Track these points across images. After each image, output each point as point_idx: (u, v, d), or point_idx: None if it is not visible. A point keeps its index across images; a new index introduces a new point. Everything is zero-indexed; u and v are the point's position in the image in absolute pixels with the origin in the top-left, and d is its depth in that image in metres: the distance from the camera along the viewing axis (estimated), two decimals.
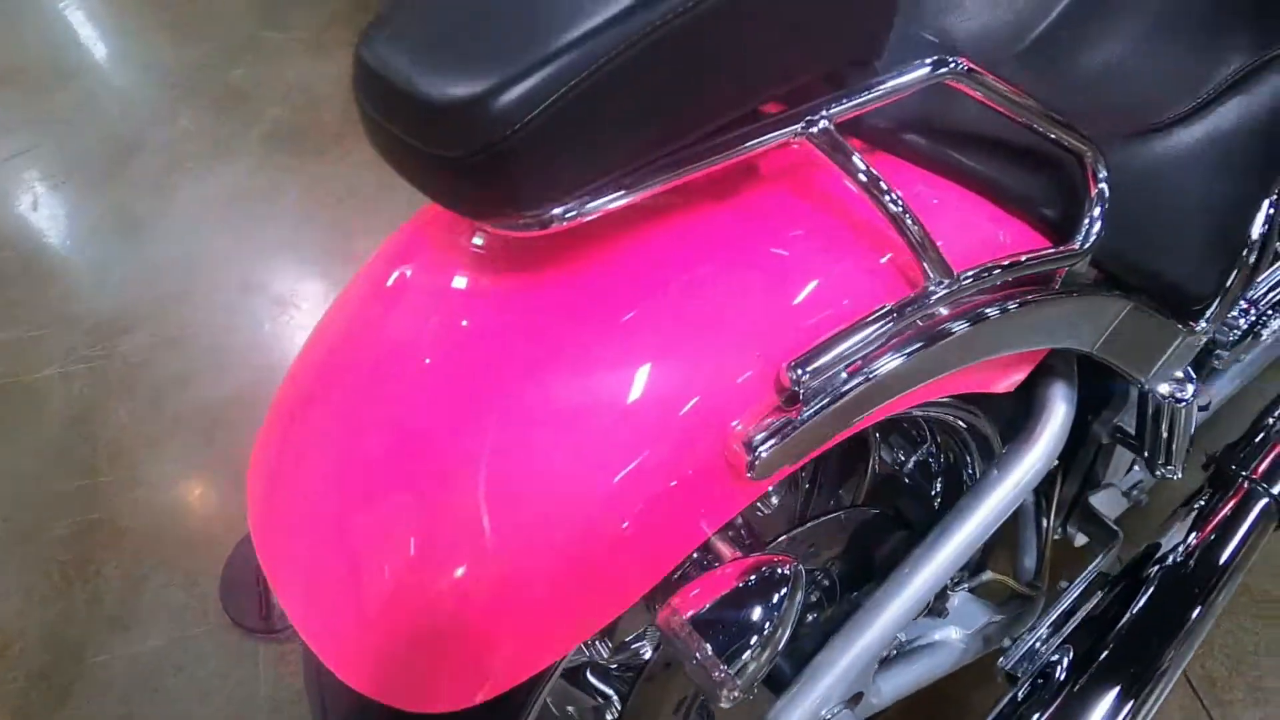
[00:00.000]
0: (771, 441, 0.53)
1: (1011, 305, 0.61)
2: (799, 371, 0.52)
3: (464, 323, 0.58)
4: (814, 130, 0.52)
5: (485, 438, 0.55)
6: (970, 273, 0.58)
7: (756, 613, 0.56)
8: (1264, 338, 1.12)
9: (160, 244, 1.97)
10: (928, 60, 0.55)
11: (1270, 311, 1.11)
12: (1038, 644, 0.96)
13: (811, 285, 0.55)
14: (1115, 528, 1.01)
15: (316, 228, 1.98)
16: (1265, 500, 0.97)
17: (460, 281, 0.60)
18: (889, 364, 0.55)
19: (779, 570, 0.57)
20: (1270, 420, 1.03)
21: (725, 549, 0.61)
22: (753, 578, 0.57)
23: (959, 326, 0.58)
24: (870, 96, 0.53)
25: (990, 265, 0.59)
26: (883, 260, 0.56)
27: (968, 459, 0.88)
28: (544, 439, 0.54)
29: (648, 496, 0.54)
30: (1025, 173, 0.64)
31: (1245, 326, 1.10)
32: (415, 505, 0.57)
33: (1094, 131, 0.69)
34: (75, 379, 1.71)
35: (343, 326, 0.68)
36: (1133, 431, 0.97)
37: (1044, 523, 1.03)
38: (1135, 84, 0.75)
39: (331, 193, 2.04)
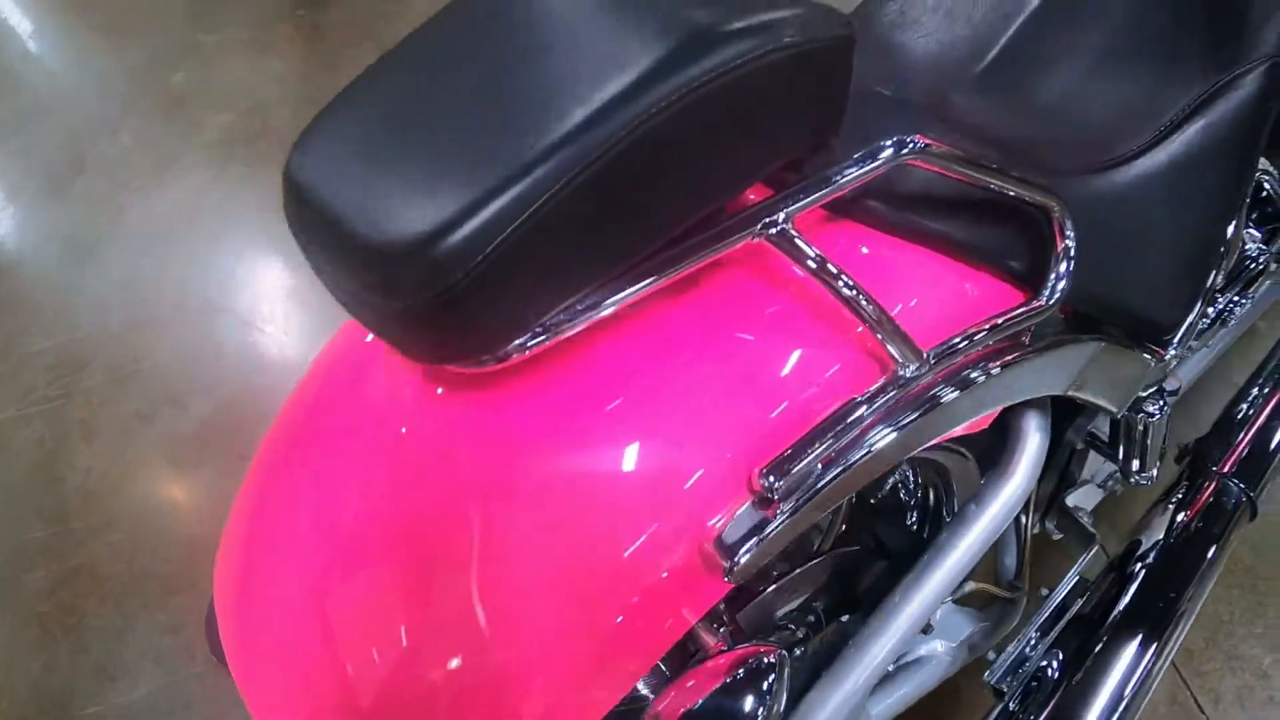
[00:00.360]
0: (748, 546, 0.52)
1: (987, 369, 0.60)
2: (770, 479, 0.51)
3: (438, 419, 0.57)
4: (772, 232, 0.50)
5: (472, 530, 0.54)
6: (938, 350, 0.57)
7: (745, 707, 0.56)
8: (1231, 323, 1.13)
9: (113, 269, 1.91)
10: (886, 143, 0.53)
11: (1237, 297, 1.11)
12: (1027, 649, 0.97)
13: (779, 380, 0.54)
14: (1092, 530, 1.03)
15: (277, 241, 1.92)
16: (1237, 494, 0.99)
17: (431, 372, 0.59)
18: (861, 453, 0.54)
19: (764, 660, 0.57)
20: (1237, 412, 1.04)
21: (708, 637, 0.61)
22: (740, 672, 0.57)
23: (930, 404, 0.57)
24: (825, 191, 0.52)
25: (958, 338, 0.58)
26: (850, 349, 0.55)
27: (945, 486, 0.88)
28: (531, 536, 0.53)
29: (635, 592, 0.54)
30: (990, 229, 0.63)
31: (1213, 315, 1.10)
32: (404, 594, 0.56)
33: (1057, 167, 0.68)
34: (36, 421, 1.67)
35: (312, 410, 0.66)
36: (1106, 438, 0.97)
37: (1022, 520, 1.04)
38: (1096, 113, 0.73)
39: None
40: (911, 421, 0.56)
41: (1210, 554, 0.98)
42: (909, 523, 0.91)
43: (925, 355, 0.56)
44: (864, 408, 0.54)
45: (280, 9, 2.39)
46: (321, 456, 0.63)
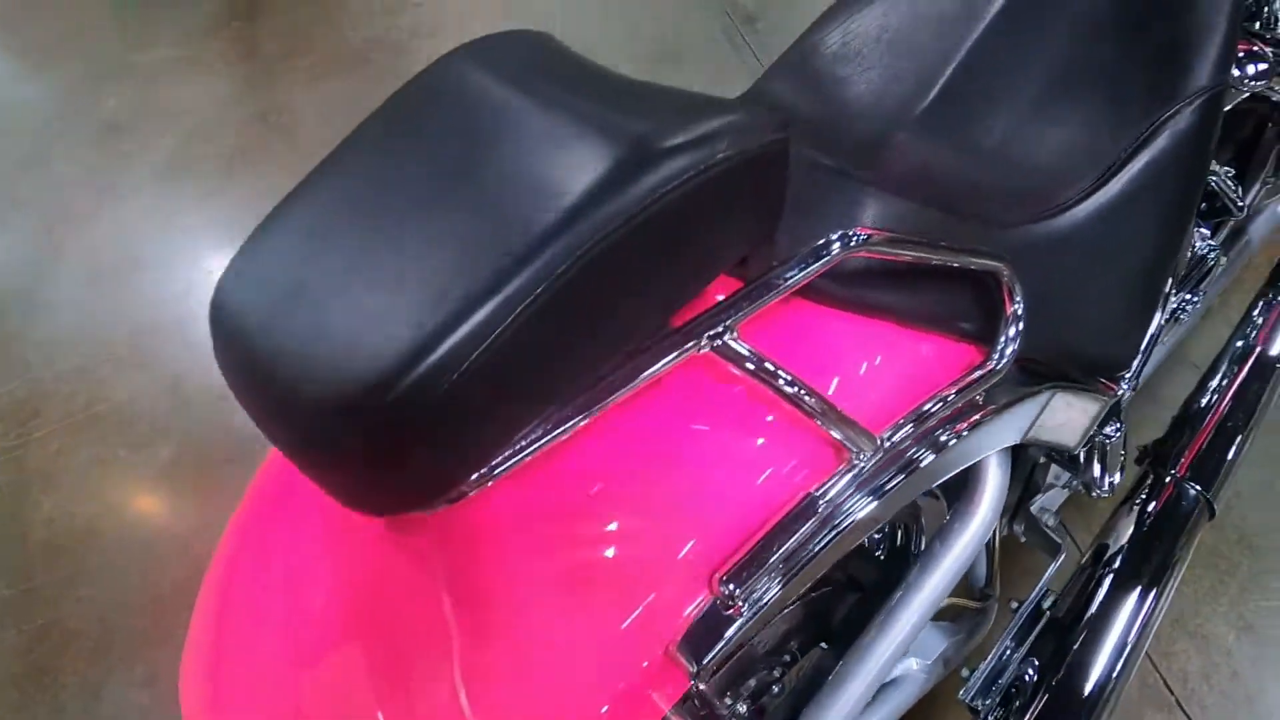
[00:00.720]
0: (714, 650, 0.52)
1: (941, 441, 0.60)
2: (730, 586, 0.51)
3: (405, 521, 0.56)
4: (717, 344, 0.50)
5: (449, 629, 0.54)
6: (891, 431, 0.57)
7: None
8: (1184, 320, 1.14)
9: (60, 308, 1.86)
10: (832, 238, 0.53)
11: (1190, 296, 1.13)
12: (1002, 658, 0.99)
13: (735, 482, 0.54)
14: (1058, 540, 1.04)
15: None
16: (1194, 497, 1.00)
17: None
18: (820, 546, 0.54)
19: None
20: (1191, 413, 1.05)
21: None
22: None
23: (889, 485, 0.58)
24: (767, 297, 0.51)
25: (910, 418, 0.58)
26: (804, 445, 0.55)
27: (914, 521, 0.88)
28: (506, 636, 0.53)
29: (609, 687, 0.53)
30: (940, 295, 0.63)
31: (1167, 316, 1.12)
32: (382, 686, 0.56)
33: (1001, 217, 0.67)
34: None
35: (280, 496, 0.65)
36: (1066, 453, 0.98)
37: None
38: (1039, 155, 0.73)
39: (234, 231, 1.94)
40: (868, 506, 0.56)
41: (1173, 556, 1.00)
42: (879, 556, 0.91)
43: (878, 440, 0.56)
44: (820, 501, 0.54)
45: (213, 23, 2.31)
46: (289, 549, 0.62)
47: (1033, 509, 1.09)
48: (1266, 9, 1.11)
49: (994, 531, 1.05)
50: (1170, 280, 0.80)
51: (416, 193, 0.47)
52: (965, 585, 1.08)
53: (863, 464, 0.55)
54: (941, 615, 1.05)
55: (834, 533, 0.55)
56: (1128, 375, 0.77)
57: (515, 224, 0.43)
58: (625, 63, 2.12)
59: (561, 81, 0.51)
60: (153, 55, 2.27)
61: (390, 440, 0.42)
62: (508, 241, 0.43)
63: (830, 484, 0.54)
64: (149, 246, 1.94)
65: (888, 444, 0.56)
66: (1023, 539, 1.14)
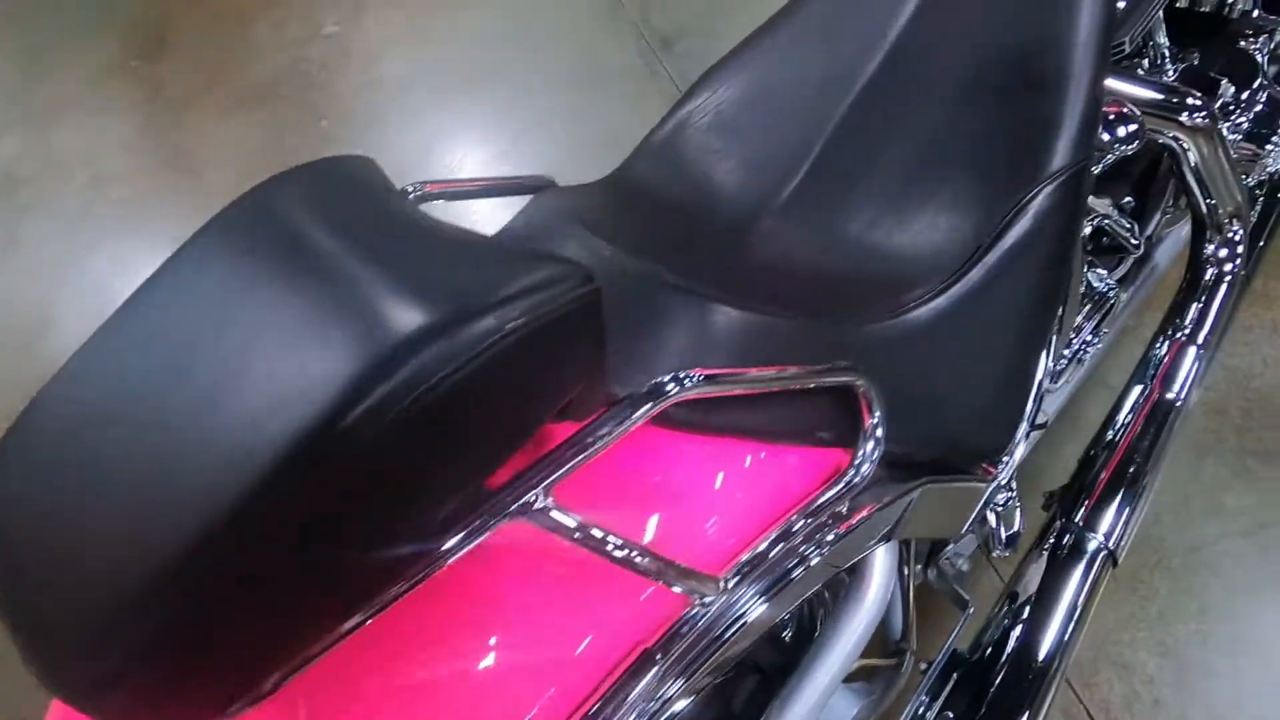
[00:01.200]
0: None
1: (795, 569, 0.58)
2: None
3: None
4: (532, 511, 0.47)
5: None
6: (735, 571, 0.55)
7: None
8: (1086, 363, 1.14)
9: None
10: (665, 380, 0.50)
11: (1091, 336, 1.13)
12: (918, 713, 0.99)
13: (569, 648, 0.51)
14: (966, 597, 1.04)
15: None
16: (1096, 548, 1.00)
17: None
18: (669, 694, 0.52)
19: None
20: (1092, 462, 1.05)
21: None
22: None
23: (745, 617, 0.56)
24: (587, 454, 0.48)
25: (762, 544, 0.56)
26: (644, 598, 0.53)
27: (817, 595, 0.87)
28: None
29: None
30: (795, 411, 0.61)
31: (1070, 355, 1.11)
32: None
33: (862, 314, 0.66)
34: None
35: None
36: None
37: (904, 571, 1.05)
38: (903, 243, 0.71)
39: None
40: (718, 647, 0.54)
41: (1079, 604, 1.00)
42: (780, 635, 0.90)
43: (721, 582, 0.53)
44: (657, 655, 0.51)
45: (112, 62, 2.23)
46: None
47: (943, 558, 1.08)
48: (1150, 43, 1.11)
49: (909, 581, 1.04)
50: (1048, 355, 0.78)
51: (209, 351, 0.44)
52: (880, 639, 1.07)
53: (706, 606, 0.53)
54: (854, 676, 1.04)
55: (681, 680, 0.52)
56: (1005, 459, 0.75)
57: (302, 400, 0.40)
58: (545, 91, 2.08)
59: (366, 231, 0.48)
60: (52, 96, 2.18)
61: (188, 636, 0.39)
62: (299, 413, 0.40)
63: (668, 635, 0.52)
64: (54, 306, 1.87)
65: (732, 584, 0.54)
66: (935, 586, 1.14)
